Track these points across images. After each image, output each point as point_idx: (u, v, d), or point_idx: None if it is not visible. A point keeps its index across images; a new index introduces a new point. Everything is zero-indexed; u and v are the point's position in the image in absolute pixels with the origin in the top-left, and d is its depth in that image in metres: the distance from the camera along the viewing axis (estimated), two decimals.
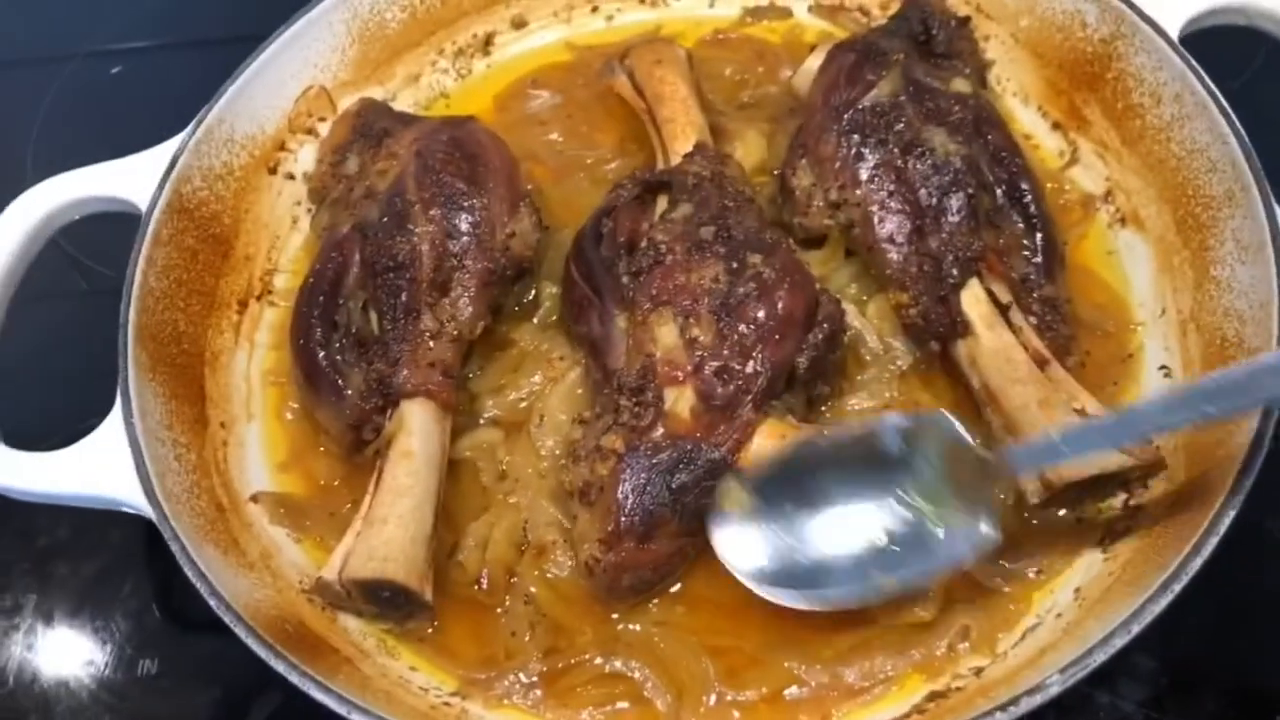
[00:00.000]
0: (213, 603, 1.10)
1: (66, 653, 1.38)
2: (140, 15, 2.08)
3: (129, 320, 1.29)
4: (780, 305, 1.24)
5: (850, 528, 1.16)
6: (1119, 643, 1.01)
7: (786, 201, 1.44)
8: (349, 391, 1.30)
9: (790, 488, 1.18)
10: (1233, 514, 1.06)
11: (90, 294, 1.70)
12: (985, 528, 1.12)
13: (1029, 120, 1.59)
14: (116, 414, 1.22)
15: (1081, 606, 1.17)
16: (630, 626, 1.22)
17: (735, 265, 1.27)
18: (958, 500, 1.14)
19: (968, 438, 1.15)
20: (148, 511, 1.16)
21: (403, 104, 1.68)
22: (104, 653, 1.38)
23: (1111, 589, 1.15)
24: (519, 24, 1.75)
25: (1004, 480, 1.16)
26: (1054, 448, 1.11)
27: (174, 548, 1.13)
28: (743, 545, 1.17)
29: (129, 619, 1.40)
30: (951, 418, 1.16)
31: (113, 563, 1.43)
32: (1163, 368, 1.35)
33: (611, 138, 1.64)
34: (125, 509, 1.19)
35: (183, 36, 2.07)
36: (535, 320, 1.44)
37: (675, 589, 1.24)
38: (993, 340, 1.28)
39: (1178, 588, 1.03)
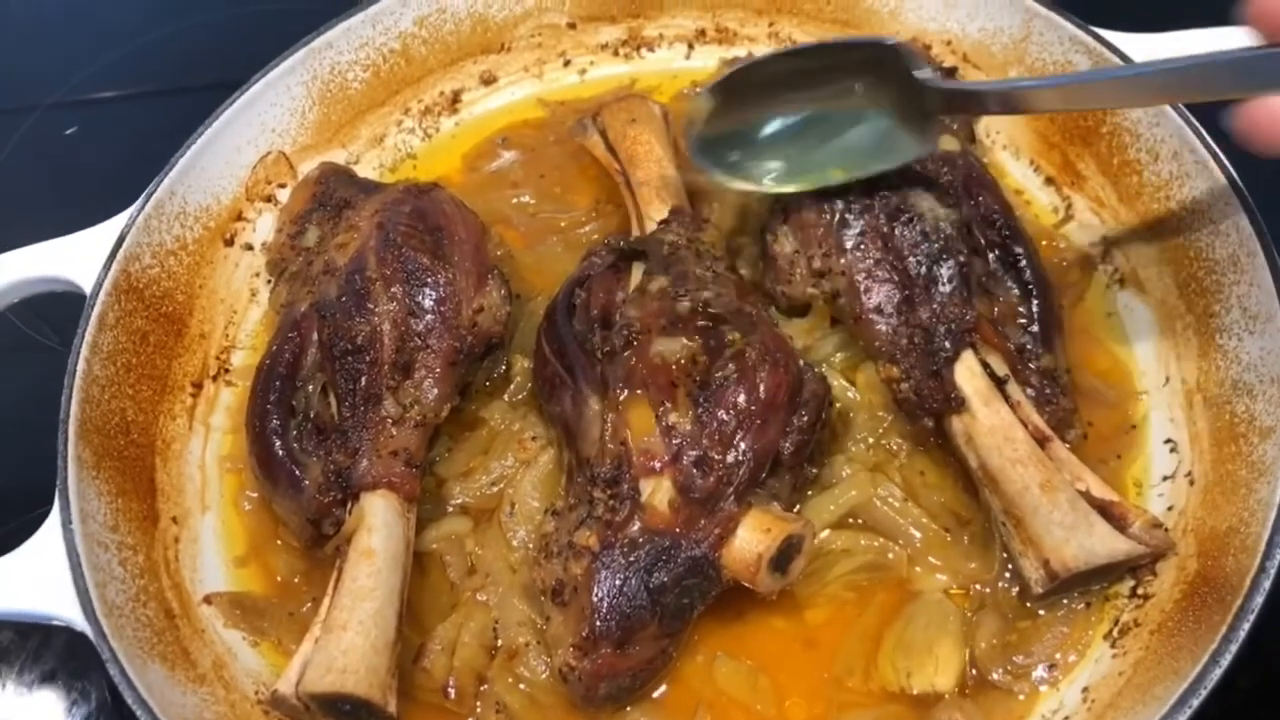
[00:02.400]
0: None
1: None
2: (107, 65, 2.02)
3: (71, 415, 1.22)
4: (762, 388, 1.17)
5: (813, 131, 1.33)
6: None
7: (768, 269, 1.37)
8: (307, 483, 1.22)
9: (753, 98, 1.33)
10: (1252, 618, 0.99)
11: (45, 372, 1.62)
12: (927, 142, 1.30)
13: (1020, 175, 1.53)
14: (54, 520, 1.15)
15: (1091, 711, 1.09)
16: None
17: (713, 344, 1.19)
18: (908, 117, 1.29)
19: (919, 71, 1.26)
20: (84, 628, 1.08)
21: (367, 166, 1.62)
22: None
23: (1123, 693, 1.07)
24: (488, 80, 1.69)
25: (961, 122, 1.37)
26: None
27: (112, 670, 1.05)
28: (711, 148, 1.33)
29: None
30: (909, 48, 1.28)
31: (59, 667, 1.34)
32: (1168, 441, 1.28)
33: (586, 198, 1.58)
34: (61, 624, 1.11)
35: (151, 86, 2.00)
36: (506, 397, 1.37)
37: (658, 693, 1.17)
38: (990, 417, 1.21)
39: (1196, 702, 0.96)
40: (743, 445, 1.14)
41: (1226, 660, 0.97)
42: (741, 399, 1.16)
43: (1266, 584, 1.00)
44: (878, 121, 1.31)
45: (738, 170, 1.34)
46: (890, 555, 1.22)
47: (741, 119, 1.34)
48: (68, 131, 1.92)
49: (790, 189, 1.33)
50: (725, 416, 1.15)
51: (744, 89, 1.33)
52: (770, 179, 1.34)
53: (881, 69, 1.28)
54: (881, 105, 1.30)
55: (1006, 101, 1.25)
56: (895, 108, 1.29)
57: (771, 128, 1.34)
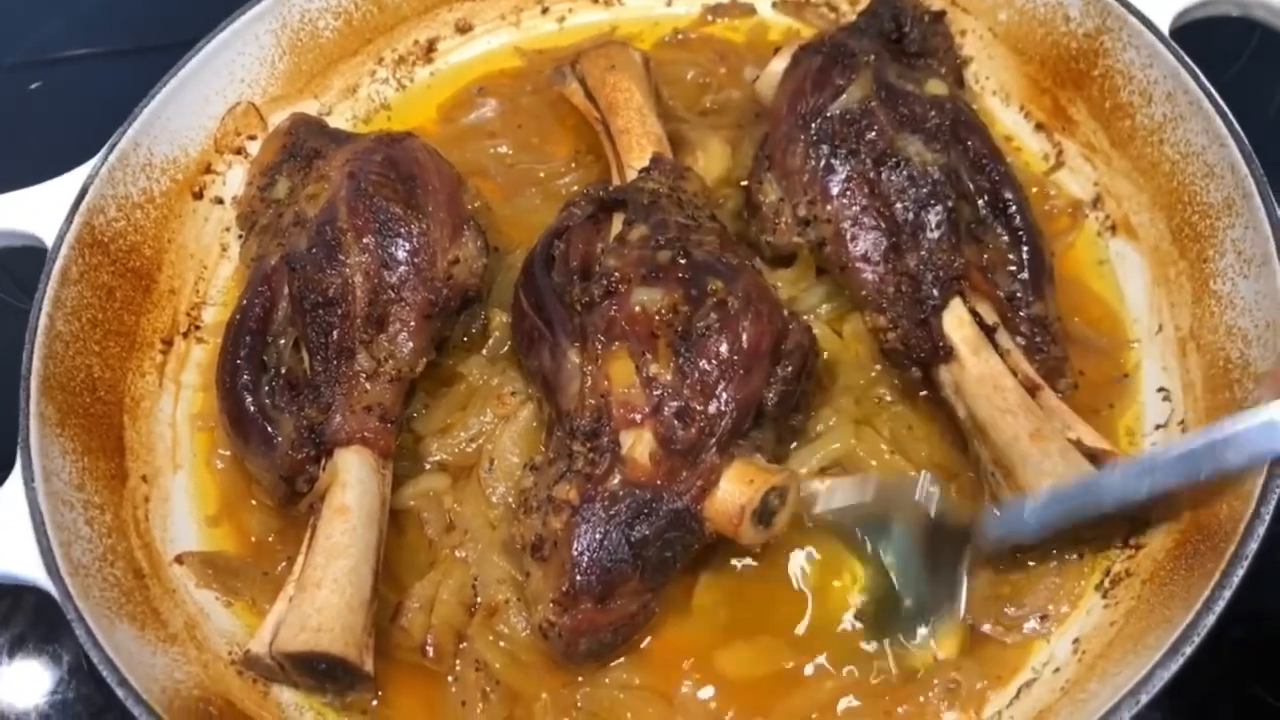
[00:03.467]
0: (121, 693, 0.99)
1: None
2: (72, 22, 1.96)
3: (33, 370, 1.18)
4: (745, 337, 1.13)
5: None
6: (1126, 715, 0.92)
7: (753, 218, 1.34)
8: (279, 440, 1.19)
9: None
10: (1245, 564, 0.96)
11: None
12: (954, 599, 1.12)
13: (1011, 121, 1.50)
14: (16, 477, 1.11)
15: (1082, 662, 1.07)
16: (592, 691, 1.12)
17: (695, 293, 1.16)
18: (929, 570, 1.13)
19: (943, 510, 1.14)
20: (49, 587, 1.05)
21: (340, 118, 1.57)
22: None
23: (1114, 643, 1.05)
24: (463, 28, 1.64)
25: (977, 551, 1.13)
26: (1021, 519, 1.09)
27: (78, 630, 1.02)
28: None
29: (51, 693, 1.28)
30: (932, 482, 1.15)
31: (28, 630, 1.31)
32: (1161, 389, 1.25)
33: (565, 149, 1.54)
34: (26, 584, 1.07)
35: (118, 44, 1.95)
36: (484, 352, 1.33)
37: (643, 644, 1.14)
38: (979, 366, 1.18)
39: (1188, 650, 0.94)
40: (725, 396, 1.11)
41: (1220, 607, 0.95)
42: (724, 349, 1.13)
43: (1261, 530, 0.98)
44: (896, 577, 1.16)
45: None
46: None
47: None
48: (31, 87, 1.86)
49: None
50: (707, 367, 1.12)
51: None
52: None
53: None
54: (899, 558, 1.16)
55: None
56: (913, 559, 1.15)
57: None
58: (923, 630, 1.12)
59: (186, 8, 1.90)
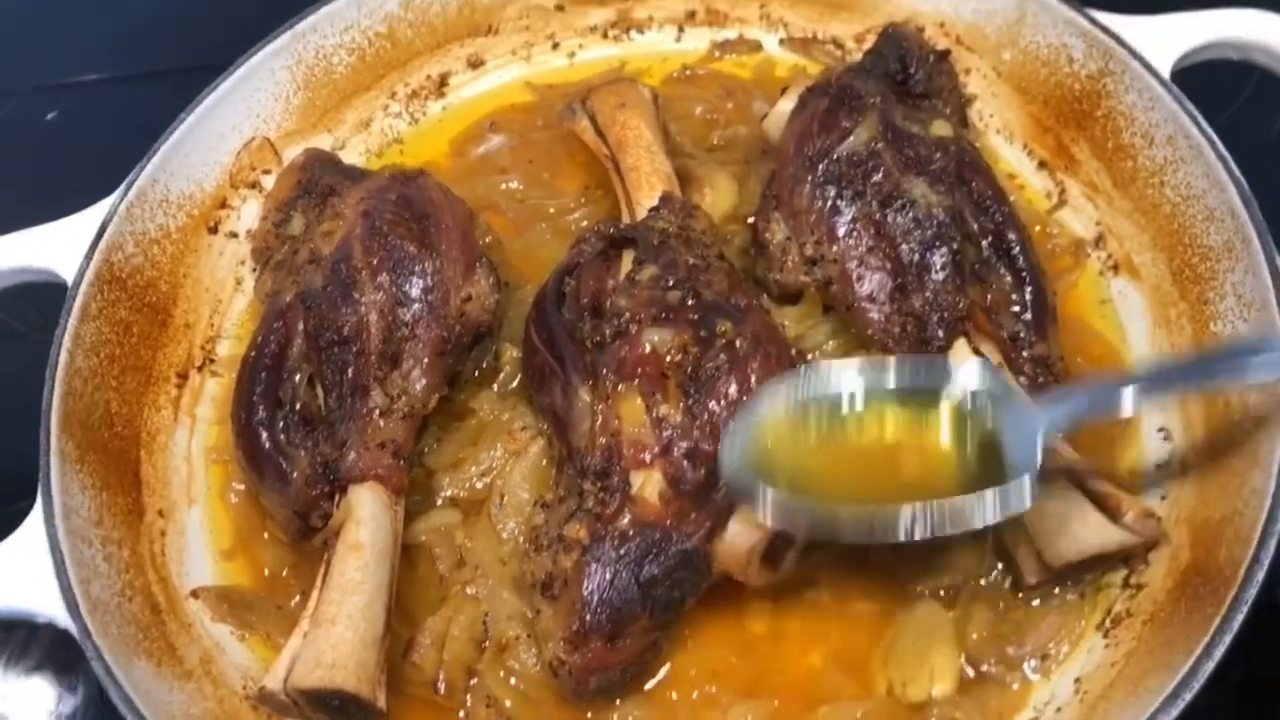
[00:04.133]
0: None
1: None
2: (89, 47, 1.98)
3: (53, 408, 1.19)
4: (753, 378, 1.15)
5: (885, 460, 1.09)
6: None
7: (760, 256, 1.36)
8: (294, 475, 1.21)
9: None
10: (1245, 609, 0.98)
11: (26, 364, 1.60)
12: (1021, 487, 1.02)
13: (1014, 159, 1.52)
14: (37, 514, 1.13)
15: (1084, 702, 1.09)
16: None
17: (704, 334, 1.18)
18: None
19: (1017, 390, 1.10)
20: (69, 625, 1.07)
21: (353, 152, 1.59)
22: None
23: (1115, 684, 1.07)
24: (475, 63, 1.66)
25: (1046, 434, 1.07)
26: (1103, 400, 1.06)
27: (97, 668, 1.04)
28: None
29: None
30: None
31: (45, 661, 1.33)
32: (1161, 429, 1.27)
33: (575, 184, 1.56)
34: (45, 621, 1.09)
35: (134, 69, 1.97)
36: (495, 387, 1.35)
37: (649, 685, 1.16)
38: None
39: (1188, 696, 0.95)
40: None
41: (1219, 653, 0.96)
42: (733, 390, 1.14)
43: (1260, 575, 0.99)
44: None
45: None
46: None
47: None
48: (49, 116, 1.89)
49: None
50: (716, 408, 1.14)
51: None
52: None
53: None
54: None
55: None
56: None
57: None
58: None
59: (202, 32, 1.94)
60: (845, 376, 1.11)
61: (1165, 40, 1.36)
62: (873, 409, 1.11)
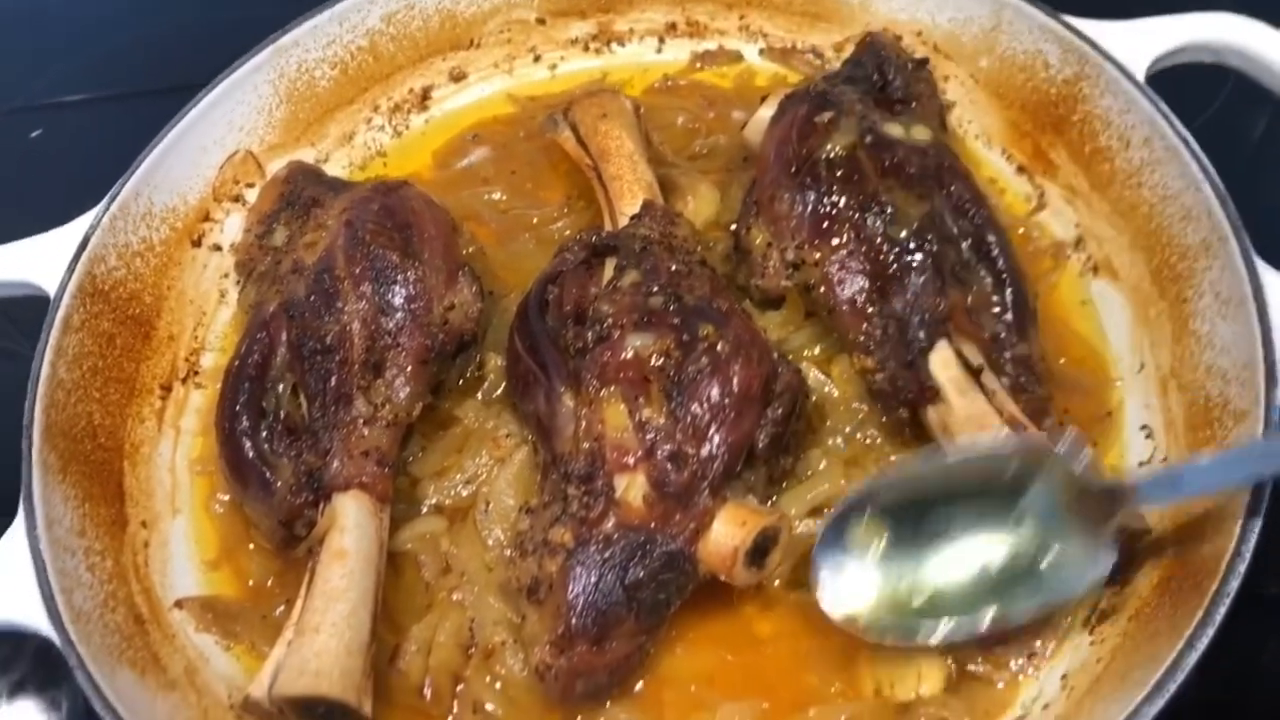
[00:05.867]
0: None
1: None
2: (71, 69, 1.99)
3: (35, 420, 1.19)
4: (735, 381, 1.16)
5: (963, 559, 1.11)
6: None
7: (742, 262, 1.37)
8: (278, 484, 1.21)
9: (909, 517, 1.13)
10: (1228, 602, 0.98)
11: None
12: (1101, 560, 1.07)
13: (993, 163, 1.53)
14: (19, 525, 1.13)
15: (1070, 698, 1.09)
16: None
17: (687, 338, 1.18)
18: (1077, 530, 1.09)
19: (1091, 471, 1.09)
20: (51, 635, 1.06)
21: (336, 165, 1.60)
22: None
23: (1101, 679, 1.07)
24: (457, 76, 1.67)
25: (1129, 510, 1.09)
26: (1178, 479, 1.08)
27: (79, 677, 1.03)
28: (849, 587, 1.12)
29: None
30: (1074, 448, 1.08)
31: (29, 675, 1.32)
32: (1144, 427, 1.28)
33: (557, 194, 1.57)
34: (27, 632, 1.09)
35: (119, 88, 1.98)
36: (479, 395, 1.35)
37: (636, 688, 1.16)
38: (965, 407, 1.20)
39: (1173, 686, 0.95)
40: (716, 439, 1.14)
41: (1203, 644, 0.96)
42: (715, 392, 1.15)
43: (1242, 568, 1.00)
44: (1035, 540, 1.10)
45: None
46: None
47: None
48: (32, 135, 1.89)
49: (942, 636, 1.10)
50: (698, 410, 1.14)
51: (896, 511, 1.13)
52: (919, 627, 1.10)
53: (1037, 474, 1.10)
54: (1041, 520, 1.10)
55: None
56: (1056, 520, 1.10)
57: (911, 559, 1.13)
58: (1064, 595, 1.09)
59: (186, 52, 1.95)
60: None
61: (1139, 44, 1.38)
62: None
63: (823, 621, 1.14)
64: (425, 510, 1.28)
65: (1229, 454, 1.09)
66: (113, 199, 1.36)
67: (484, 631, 1.18)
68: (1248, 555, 1.00)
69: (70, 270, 1.30)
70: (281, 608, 1.24)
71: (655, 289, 1.23)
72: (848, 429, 1.29)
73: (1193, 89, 1.47)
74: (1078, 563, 1.09)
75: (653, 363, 1.17)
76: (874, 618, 1.11)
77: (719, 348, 1.17)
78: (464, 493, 1.28)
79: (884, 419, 1.28)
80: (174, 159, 1.44)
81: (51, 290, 1.29)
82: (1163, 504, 1.10)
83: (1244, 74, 1.39)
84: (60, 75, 1.99)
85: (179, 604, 1.23)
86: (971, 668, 1.14)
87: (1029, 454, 1.10)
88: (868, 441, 1.28)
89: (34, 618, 1.08)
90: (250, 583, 1.27)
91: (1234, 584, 0.99)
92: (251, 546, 1.29)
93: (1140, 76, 1.36)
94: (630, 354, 1.18)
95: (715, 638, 1.18)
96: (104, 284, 1.34)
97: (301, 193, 1.42)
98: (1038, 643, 1.15)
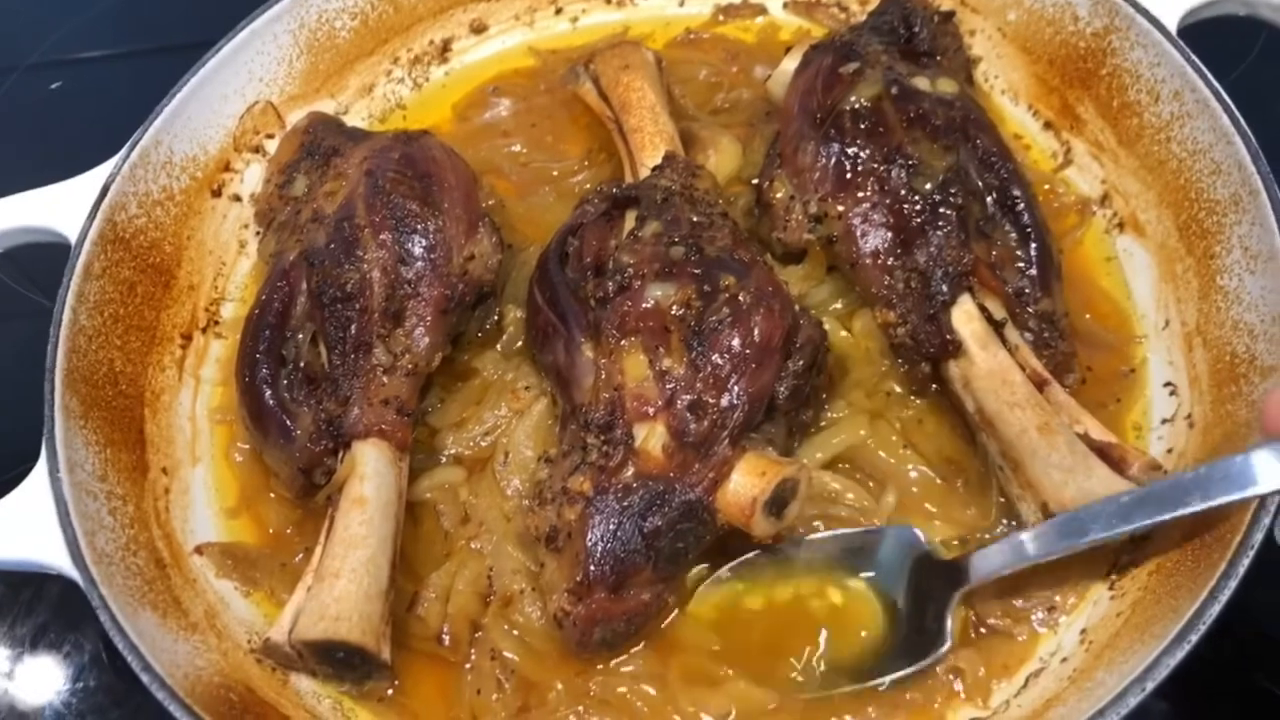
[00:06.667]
0: (145, 678, 1.01)
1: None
2: (89, 23, 1.98)
3: (56, 364, 1.20)
4: (756, 332, 1.15)
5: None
6: (1133, 701, 0.93)
7: (764, 215, 1.36)
8: (298, 432, 1.21)
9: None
10: (1251, 554, 0.98)
11: (27, 323, 1.59)
12: (940, 643, 1.11)
13: (1019, 119, 1.51)
14: (42, 468, 1.13)
15: (1089, 652, 1.08)
16: (605, 679, 1.14)
17: (708, 289, 1.18)
18: (916, 608, 1.14)
19: (933, 550, 1.16)
20: (74, 575, 1.07)
21: (356, 117, 1.59)
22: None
23: (1120, 633, 1.06)
24: (478, 29, 1.66)
25: (965, 587, 1.13)
26: (1019, 549, 1.10)
27: (102, 616, 1.04)
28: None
29: (73, 681, 1.30)
30: (918, 532, 1.16)
31: (51, 620, 1.34)
32: (1168, 384, 1.26)
33: (578, 147, 1.56)
34: (51, 572, 1.10)
35: (136, 44, 1.97)
36: (499, 347, 1.35)
37: (653, 639, 1.16)
38: (987, 361, 1.20)
39: (1194, 638, 0.95)
40: (736, 389, 1.13)
41: (1225, 596, 0.96)
42: (735, 343, 1.14)
43: (1266, 520, 0.99)
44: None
45: None
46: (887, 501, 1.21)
47: None
48: (52, 86, 1.89)
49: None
50: (719, 360, 1.14)
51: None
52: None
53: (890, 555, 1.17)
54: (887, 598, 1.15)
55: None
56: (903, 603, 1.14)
57: None
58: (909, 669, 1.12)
59: (204, 8, 1.93)
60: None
61: None
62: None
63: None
64: (444, 460, 1.28)
65: (1058, 524, 1.09)
66: (133, 147, 1.36)
67: (502, 580, 1.19)
68: (1273, 508, 0.99)
69: (91, 218, 1.30)
70: (301, 555, 1.24)
71: (676, 239, 1.22)
72: (869, 383, 1.29)
73: (1225, 42, 1.45)
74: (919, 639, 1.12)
75: (673, 312, 1.16)
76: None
77: (740, 298, 1.17)
78: (483, 443, 1.29)
79: (905, 372, 1.27)
80: (194, 108, 1.43)
81: (73, 237, 1.29)
82: (995, 577, 1.12)
83: (1277, 26, 1.37)
84: (77, 31, 1.98)
85: (199, 549, 1.24)
86: (992, 621, 1.14)
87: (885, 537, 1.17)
88: (889, 395, 1.28)
89: (58, 559, 1.08)
90: (270, 530, 1.28)
91: (1257, 536, 0.99)
92: (271, 495, 1.29)
93: (1172, 29, 1.33)
94: (651, 304, 1.17)
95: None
96: (124, 231, 1.34)
97: (321, 142, 1.41)
98: (1057, 597, 1.15)
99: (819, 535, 1.18)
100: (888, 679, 1.11)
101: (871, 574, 1.16)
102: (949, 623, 1.11)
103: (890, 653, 1.12)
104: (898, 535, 1.17)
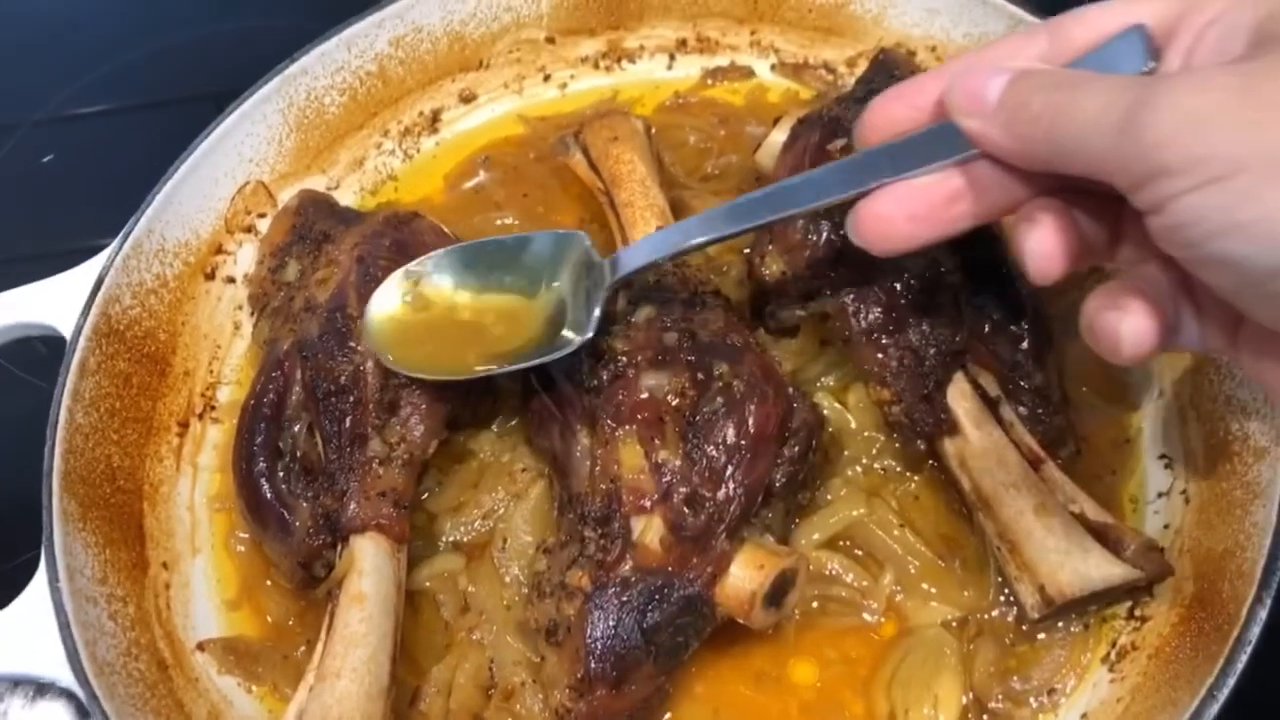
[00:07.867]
0: None
1: None
2: (85, 84, 1.99)
3: (54, 468, 1.20)
4: (751, 421, 1.15)
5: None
6: None
7: (757, 290, 1.36)
8: (296, 526, 1.21)
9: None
10: (1249, 649, 0.98)
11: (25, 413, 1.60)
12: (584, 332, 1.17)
13: None
14: (41, 578, 1.13)
15: None
16: None
17: (701, 376, 1.18)
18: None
19: (594, 253, 1.21)
20: (77, 690, 1.07)
21: (348, 191, 1.60)
22: None
23: None
24: (467, 98, 1.66)
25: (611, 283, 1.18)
26: (665, 237, 1.17)
27: None
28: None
29: None
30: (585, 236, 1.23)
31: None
32: (1163, 456, 1.26)
33: (570, 218, 1.56)
34: (54, 685, 1.10)
35: (133, 100, 1.97)
36: (494, 427, 1.35)
37: None
38: (982, 440, 1.20)
39: None
40: (733, 482, 1.13)
41: (1224, 694, 0.96)
42: (731, 433, 1.15)
43: (1263, 614, 0.99)
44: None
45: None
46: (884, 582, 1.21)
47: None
48: (45, 160, 1.89)
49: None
50: (715, 452, 1.14)
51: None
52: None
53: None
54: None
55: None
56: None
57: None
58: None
59: (198, 70, 1.95)
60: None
61: None
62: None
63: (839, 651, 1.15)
64: (443, 547, 1.28)
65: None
66: (126, 237, 1.36)
67: (503, 672, 1.19)
68: (1268, 601, 1.00)
69: (85, 312, 1.30)
70: (303, 648, 1.24)
71: (669, 324, 1.23)
72: (865, 459, 1.29)
73: None
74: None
75: (669, 402, 1.17)
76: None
77: (734, 387, 1.17)
78: (481, 529, 1.29)
79: (901, 449, 1.27)
80: (185, 193, 1.43)
81: (67, 332, 1.29)
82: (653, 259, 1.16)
83: None
84: (71, 93, 1.98)
85: (201, 646, 1.24)
86: (993, 705, 1.14)
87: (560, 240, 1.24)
88: (885, 472, 1.28)
89: (58, 672, 1.09)
90: (271, 621, 1.28)
91: (1254, 631, 0.99)
92: (270, 585, 1.29)
93: None
94: (645, 394, 1.17)
95: (734, 674, 1.19)
96: (119, 323, 1.34)
97: (313, 226, 1.41)
98: (1057, 680, 1.15)
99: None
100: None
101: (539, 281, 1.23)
102: (596, 313, 1.17)
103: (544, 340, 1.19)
104: (558, 239, 1.24)
